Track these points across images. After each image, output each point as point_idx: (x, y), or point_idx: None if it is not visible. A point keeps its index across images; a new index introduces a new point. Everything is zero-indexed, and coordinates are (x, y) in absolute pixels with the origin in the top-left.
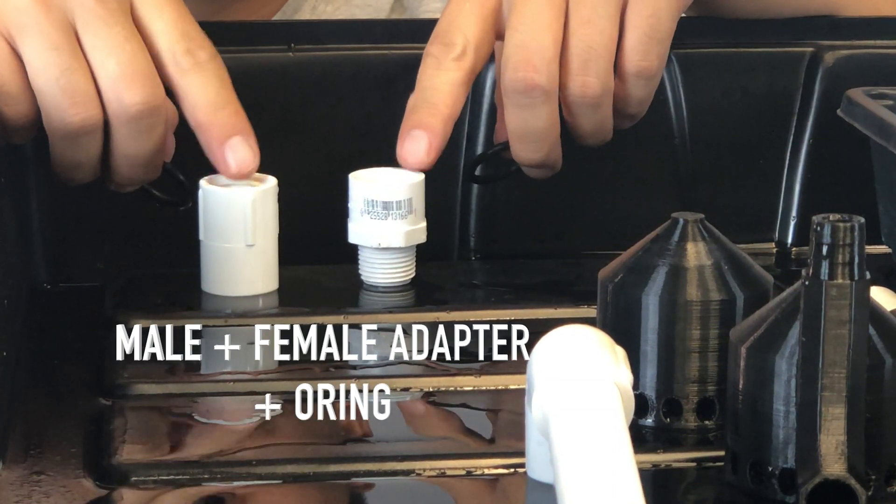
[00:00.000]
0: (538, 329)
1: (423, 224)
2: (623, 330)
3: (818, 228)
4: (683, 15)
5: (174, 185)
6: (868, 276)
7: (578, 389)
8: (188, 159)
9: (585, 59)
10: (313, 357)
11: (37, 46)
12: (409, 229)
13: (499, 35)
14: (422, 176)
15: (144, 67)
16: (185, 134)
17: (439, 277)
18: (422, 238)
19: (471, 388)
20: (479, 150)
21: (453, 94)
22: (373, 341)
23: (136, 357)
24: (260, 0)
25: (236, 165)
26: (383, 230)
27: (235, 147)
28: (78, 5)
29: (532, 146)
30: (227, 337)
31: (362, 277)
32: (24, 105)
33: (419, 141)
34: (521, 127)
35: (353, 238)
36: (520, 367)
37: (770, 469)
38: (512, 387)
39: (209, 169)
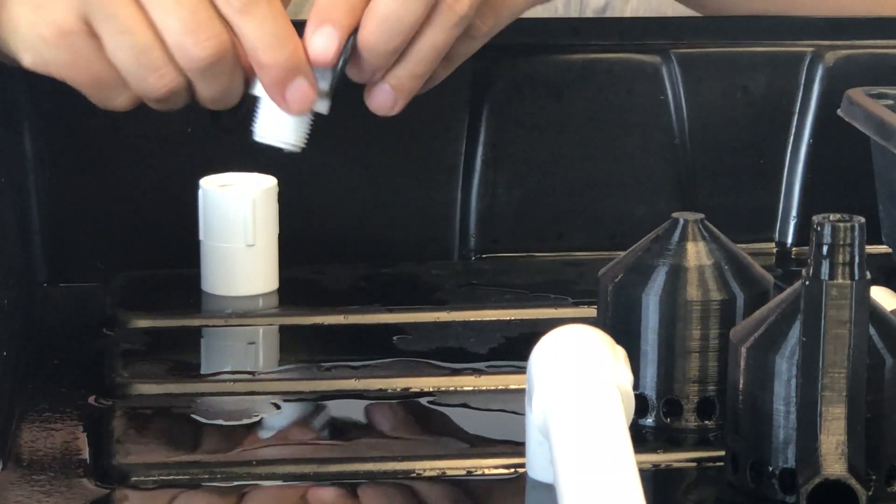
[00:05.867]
0: (538, 329)
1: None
2: (623, 330)
3: (818, 228)
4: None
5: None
6: (868, 276)
7: (579, 389)
8: (189, 158)
9: None
10: (313, 357)
11: (109, 31)
12: None
13: None
14: None
15: (204, 16)
16: (184, 132)
17: (439, 277)
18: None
19: (471, 388)
20: (481, 148)
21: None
22: (373, 341)
23: (136, 357)
24: None
25: (297, 106)
26: None
27: (296, 88)
28: None
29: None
30: (227, 337)
31: (255, 135)
32: (128, 94)
33: (330, 39)
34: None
35: (256, 90)
36: (520, 367)
37: (770, 469)
38: (512, 387)
39: (210, 169)
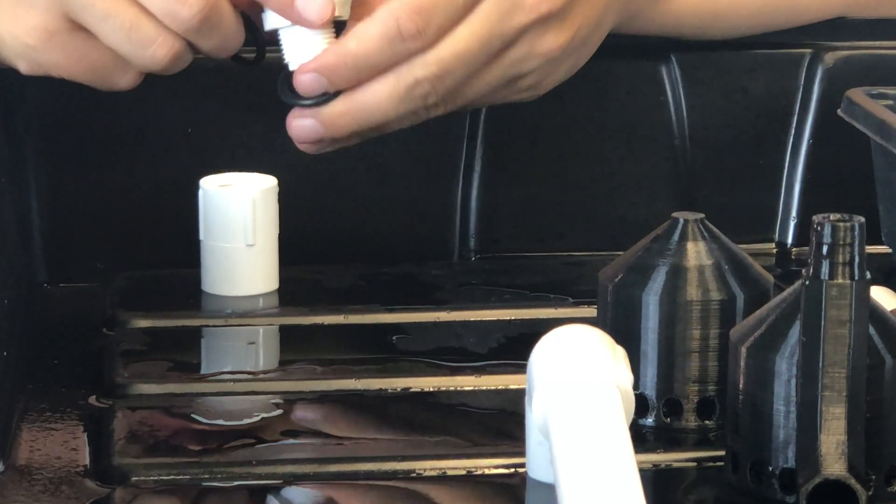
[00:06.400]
0: (538, 329)
1: None
2: (623, 330)
3: (818, 228)
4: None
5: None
6: (868, 275)
7: (579, 389)
8: (189, 158)
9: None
10: (313, 357)
11: (93, 19)
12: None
13: None
14: None
15: None
16: (184, 132)
17: (439, 277)
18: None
19: (471, 388)
20: (481, 148)
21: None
22: (373, 341)
23: (136, 357)
24: None
25: (318, 16)
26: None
27: (307, 3)
28: None
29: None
30: (227, 337)
31: (289, 65)
32: (131, 72)
33: (314, 85)
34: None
35: (269, 24)
36: (520, 367)
37: (770, 469)
38: (512, 387)
39: (209, 169)
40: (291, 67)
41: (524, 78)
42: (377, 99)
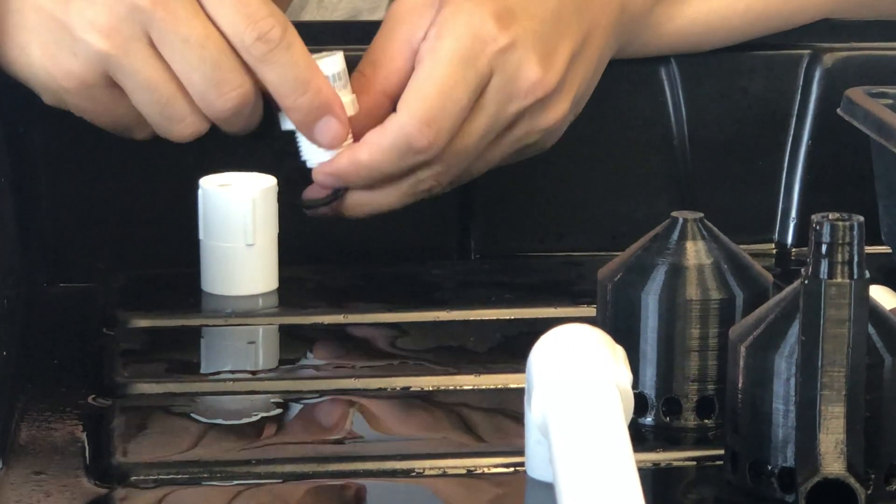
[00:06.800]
0: (538, 329)
1: (353, 96)
2: (623, 329)
3: (818, 227)
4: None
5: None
6: (867, 275)
7: (578, 389)
8: (188, 158)
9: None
10: (313, 357)
11: (131, 85)
12: (350, 98)
13: None
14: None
15: (227, 68)
16: None
17: (439, 277)
18: (355, 109)
19: (471, 388)
20: None
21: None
22: (373, 341)
23: (136, 357)
24: None
25: (328, 142)
26: None
27: (323, 125)
28: (147, 20)
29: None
30: (226, 336)
31: (308, 164)
32: (149, 130)
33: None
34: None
35: (287, 125)
36: (520, 366)
37: (769, 468)
38: (512, 386)
39: (209, 168)
40: (309, 164)
41: (528, 148)
42: (383, 196)
